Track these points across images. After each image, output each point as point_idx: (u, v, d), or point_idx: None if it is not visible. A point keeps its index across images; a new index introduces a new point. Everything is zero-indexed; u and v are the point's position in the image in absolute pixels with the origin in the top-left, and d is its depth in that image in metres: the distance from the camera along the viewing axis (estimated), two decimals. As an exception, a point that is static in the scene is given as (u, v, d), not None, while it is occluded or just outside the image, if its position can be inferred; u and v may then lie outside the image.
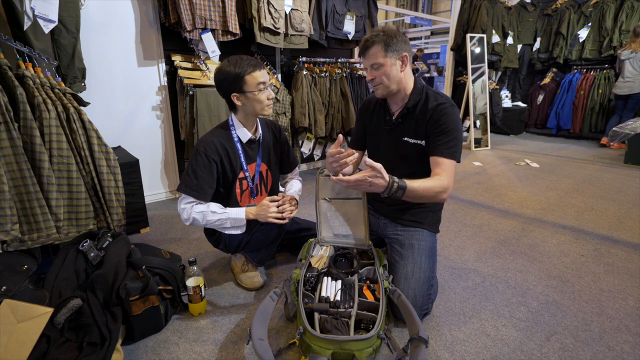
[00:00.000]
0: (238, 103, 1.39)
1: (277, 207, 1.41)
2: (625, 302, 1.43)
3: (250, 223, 1.44)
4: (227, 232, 1.44)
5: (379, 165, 1.08)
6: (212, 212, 1.37)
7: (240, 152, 1.46)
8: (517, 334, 1.25)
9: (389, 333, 1.25)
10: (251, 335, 1.05)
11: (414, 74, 1.43)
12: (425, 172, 1.28)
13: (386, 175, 1.10)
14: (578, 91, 4.84)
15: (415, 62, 7.84)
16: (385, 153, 1.43)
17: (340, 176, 1.12)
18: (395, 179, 1.13)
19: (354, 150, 1.43)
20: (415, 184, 1.15)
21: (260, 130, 1.53)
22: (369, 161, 1.09)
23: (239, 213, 1.40)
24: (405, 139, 1.36)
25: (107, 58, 2.26)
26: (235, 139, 1.45)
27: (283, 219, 1.42)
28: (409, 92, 1.34)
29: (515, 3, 5.18)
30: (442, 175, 1.21)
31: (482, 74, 4.40)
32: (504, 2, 4.87)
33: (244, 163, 1.47)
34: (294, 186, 1.66)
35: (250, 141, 1.48)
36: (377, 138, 1.48)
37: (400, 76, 1.29)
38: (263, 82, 1.36)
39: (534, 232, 2.08)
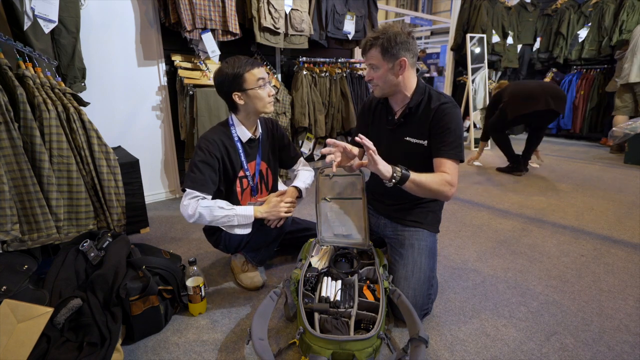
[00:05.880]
0: (240, 102, 1.39)
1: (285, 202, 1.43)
2: (625, 302, 1.43)
3: (253, 222, 1.44)
4: (231, 231, 1.41)
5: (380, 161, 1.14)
6: (220, 208, 1.33)
7: (241, 150, 1.46)
8: (517, 334, 1.25)
9: (389, 333, 1.25)
10: (251, 335, 1.05)
11: None
12: (426, 172, 1.28)
13: (389, 169, 1.15)
14: (578, 91, 4.84)
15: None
16: (386, 152, 1.42)
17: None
18: (397, 170, 1.16)
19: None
20: (418, 175, 1.19)
21: (260, 130, 1.53)
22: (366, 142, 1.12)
23: (247, 211, 1.37)
24: (407, 138, 1.36)
25: (107, 58, 2.26)
26: (235, 138, 1.45)
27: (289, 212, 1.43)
28: (411, 93, 1.34)
29: (515, 3, 5.17)
30: (446, 174, 1.24)
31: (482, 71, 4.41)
32: (504, 2, 4.86)
33: (244, 162, 1.47)
34: (302, 176, 1.60)
35: (250, 140, 1.48)
36: (378, 137, 1.47)
37: (397, 80, 1.30)
38: (262, 77, 1.37)
39: (534, 232, 2.08)
